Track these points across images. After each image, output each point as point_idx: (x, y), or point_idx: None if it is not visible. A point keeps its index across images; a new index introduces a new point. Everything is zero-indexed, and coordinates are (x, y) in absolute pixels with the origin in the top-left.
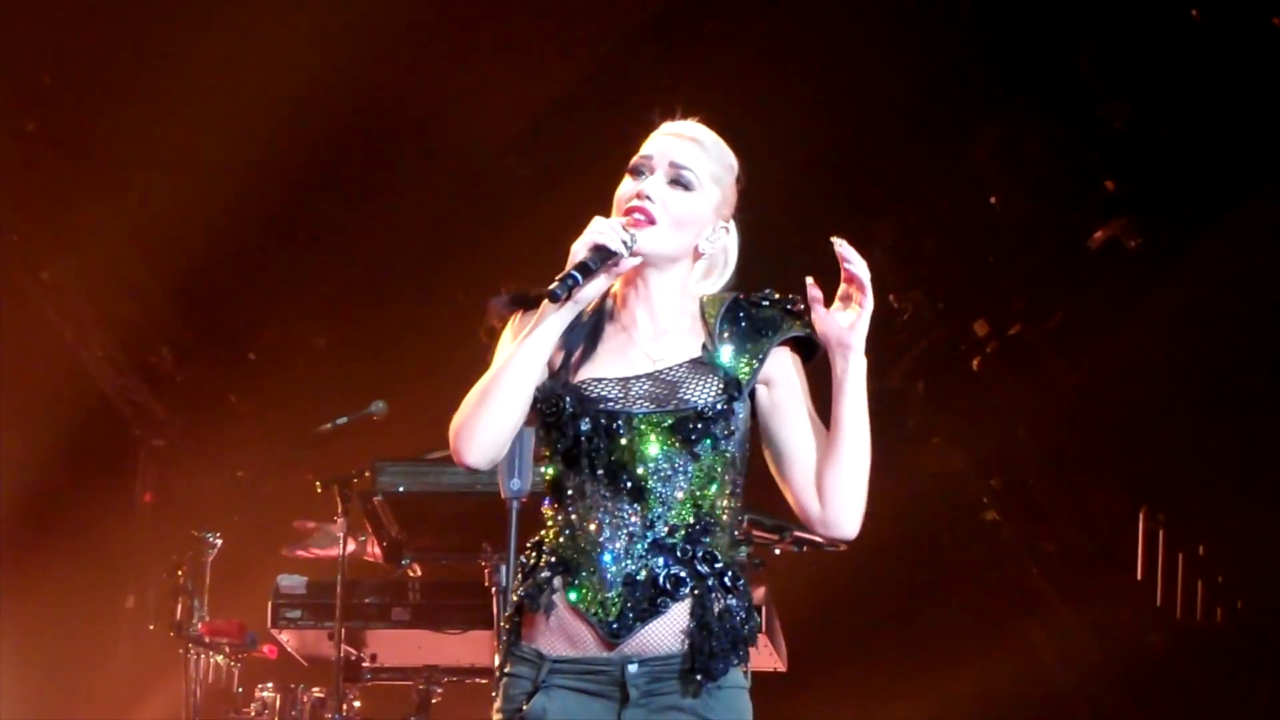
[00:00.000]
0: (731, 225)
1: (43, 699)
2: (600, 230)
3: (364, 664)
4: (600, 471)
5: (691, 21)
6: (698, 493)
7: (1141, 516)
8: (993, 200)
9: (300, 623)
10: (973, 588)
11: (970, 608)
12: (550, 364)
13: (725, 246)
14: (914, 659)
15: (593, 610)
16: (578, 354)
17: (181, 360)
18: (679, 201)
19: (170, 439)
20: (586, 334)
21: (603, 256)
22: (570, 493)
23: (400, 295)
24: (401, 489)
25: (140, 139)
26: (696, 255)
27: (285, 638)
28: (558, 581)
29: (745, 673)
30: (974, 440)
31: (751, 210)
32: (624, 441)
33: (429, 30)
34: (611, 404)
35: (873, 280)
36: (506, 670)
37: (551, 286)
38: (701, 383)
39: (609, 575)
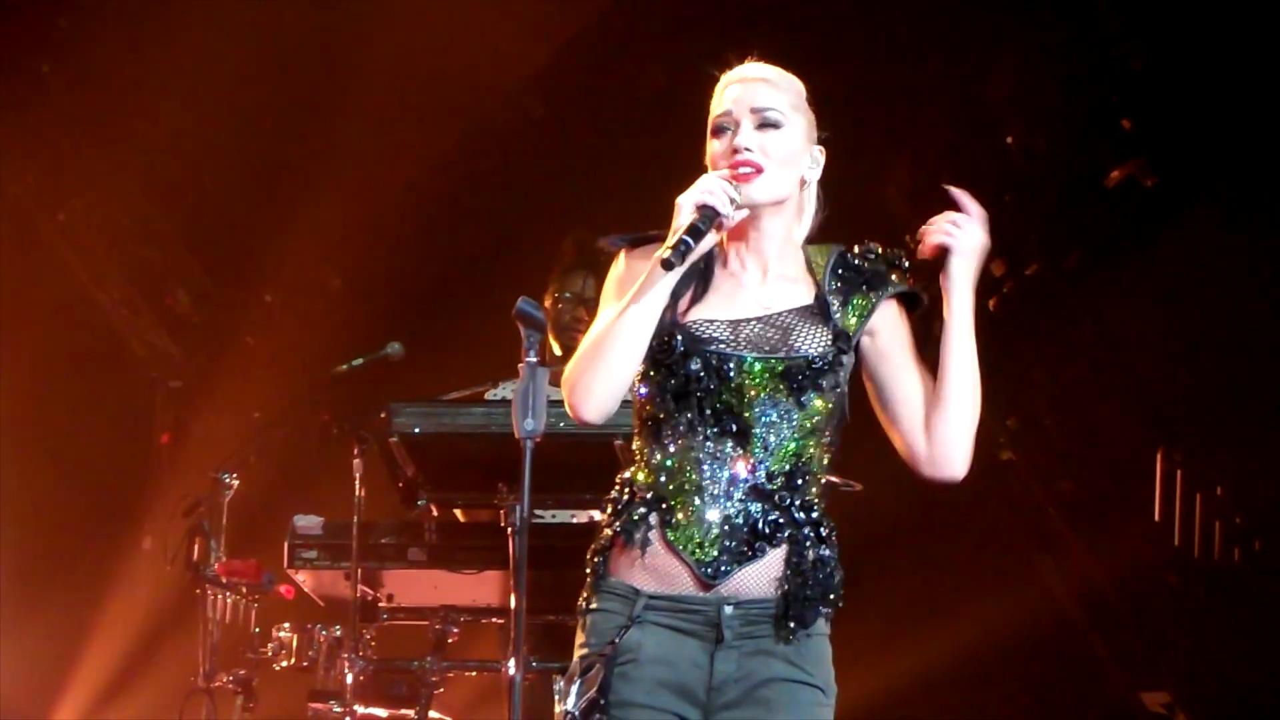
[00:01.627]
0: (821, 150)
1: (60, 640)
2: (709, 189)
3: (380, 604)
4: (708, 412)
5: None
6: (799, 441)
7: (1159, 457)
8: (1008, 140)
9: (316, 563)
10: (989, 527)
11: (986, 547)
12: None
13: (812, 187)
14: (930, 598)
15: (690, 550)
16: (688, 295)
17: (197, 302)
18: (776, 142)
19: (187, 380)
20: (697, 275)
21: (711, 216)
22: (673, 431)
23: (416, 237)
24: (417, 430)
25: (155, 81)
26: (802, 186)
27: (302, 578)
28: (654, 519)
29: (829, 621)
30: (990, 380)
31: None
32: (734, 384)
33: None
34: (723, 345)
35: (888, 221)
36: (594, 606)
37: (664, 254)
38: (812, 332)
39: (708, 516)
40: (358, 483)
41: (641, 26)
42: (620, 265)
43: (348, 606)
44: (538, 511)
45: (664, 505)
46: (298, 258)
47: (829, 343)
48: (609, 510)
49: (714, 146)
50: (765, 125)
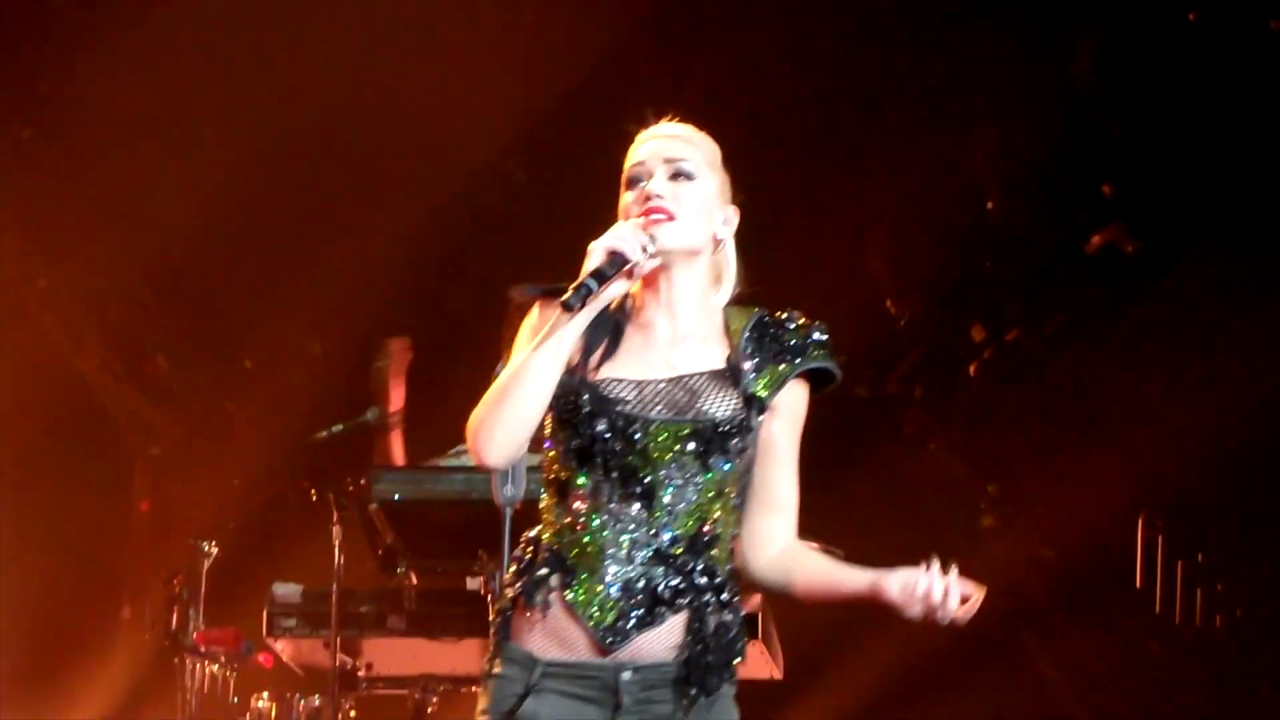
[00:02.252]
0: (735, 211)
1: (39, 708)
2: (621, 235)
3: (359, 673)
4: (614, 474)
5: (687, 27)
6: (705, 505)
7: (1140, 523)
8: (989, 205)
9: (295, 631)
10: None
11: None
12: (569, 359)
13: (729, 249)
14: (910, 666)
15: (589, 614)
16: (598, 352)
17: (177, 368)
18: (689, 192)
19: (166, 447)
20: (608, 331)
21: (619, 262)
22: (576, 492)
23: (396, 303)
24: (397, 497)
25: (136, 147)
26: (716, 247)
27: (281, 646)
28: (555, 580)
29: (733, 681)
30: (971, 446)
31: (746, 218)
32: (640, 446)
33: (424, 35)
34: (629, 406)
35: (869, 286)
36: (495, 671)
37: (565, 297)
38: (721, 395)
39: (608, 579)
40: (337, 550)
41: (623, 91)
42: (534, 315)
43: (327, 675)
44: None
45: (566, 567)
46: (277, 324)
47: (738, 406)
48: (512, 569)
49: (627, 197)
50: (678, 175)
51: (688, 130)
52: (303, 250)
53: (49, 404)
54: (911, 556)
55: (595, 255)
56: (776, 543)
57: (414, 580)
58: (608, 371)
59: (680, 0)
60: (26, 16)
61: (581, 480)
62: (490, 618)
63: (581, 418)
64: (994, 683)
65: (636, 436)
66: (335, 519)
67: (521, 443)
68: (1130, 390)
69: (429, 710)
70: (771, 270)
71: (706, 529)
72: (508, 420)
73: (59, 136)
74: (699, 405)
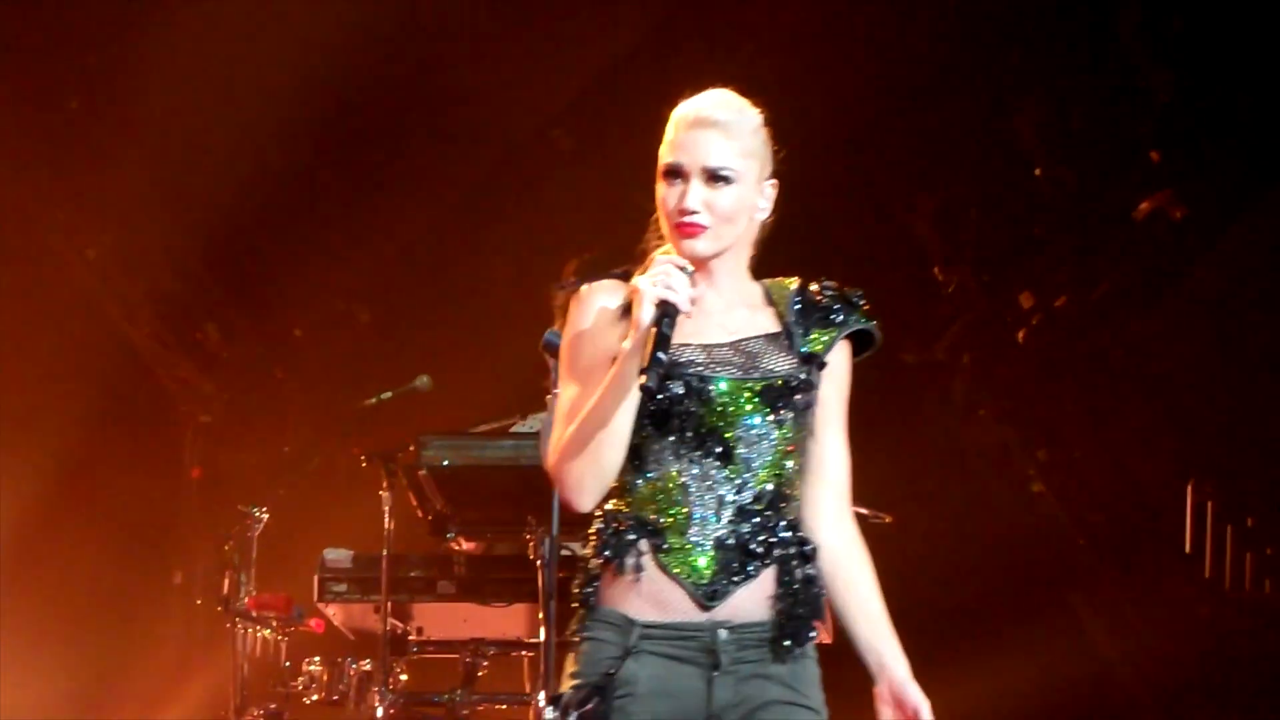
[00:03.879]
0: (774, 184)
1: (91, 674)
2: (670, 284)
3: (410, 637)
4: (690, 434)
5: None
6: (778, 462)
7: (1190, 488)
8: (1037, 172)
9: (346, 596)
10: (1019, 560)
11: (1017, 580)
12: (616, 349)
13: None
14: (960, 631)
15: (685, 573)
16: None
17: (227, 337)
18: (724, 198)
19: (217, 415)
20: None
21: (673, 314)
22: (655, 456)
23: (444, 270)
24: (446, 463)
25: (184, 117)
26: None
27: (331, 611)
28: (645, 544)
29: (814, 645)
30: (1020, 413)
31: (793, 187)
32: (716, 405)
33: (473, 3)
34: (700, 368)
35: (917, 253)
36: (587, 634)
37: (644, 381)
38: (780, 355)
39: (699, 539)
40: (387, 516)
41: (669, 60)
42: (583, 309)
43: (377, 640)
44: (566, 543)
45: (654, 530)
46: (326, 292)
47: (798, 363)
48: (593, 542)
49: (662, 191)
50: (715, 180)
51: (728, 113)
52: (351, 219)
53: (100, 373)
54: (960, 522)
55: (647, 302)
56: (825, 509)
57: (464, 545)
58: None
59: None
60: None
61: (658, 444)
62: (573, 587)
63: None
64: (1042, 646)
65: (712, 395)
66: (385, 485)
67: (609, 483)
68: (1178, 356)
69: (479, 674)
70: (821, 239)
71: (783, 485)
72: (596, 471)
73: (107, 107)
74: (761, 364)
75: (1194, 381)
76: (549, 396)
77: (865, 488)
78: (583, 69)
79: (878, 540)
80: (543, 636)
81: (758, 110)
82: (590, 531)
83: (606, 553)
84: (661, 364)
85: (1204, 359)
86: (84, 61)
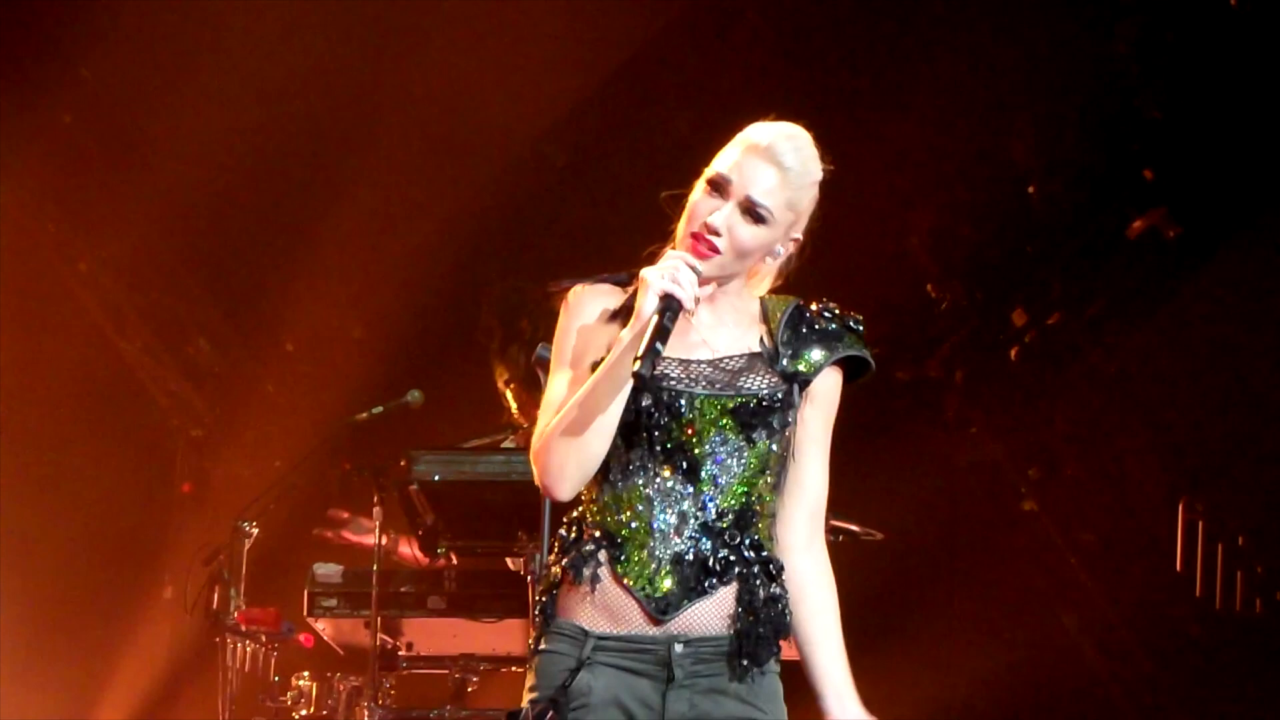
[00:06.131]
0: (800, 238)
1: (81, 688)
2: (678, 279)
3: (400, 653)
4: (658, 449)
5: (726, 13)
6: (749, 480)
7: (1181, 507)
8: (1030, 190)
9: (336, 611)
10: (1010, 578)
11: (1008, 598)
12: (611, 342)
13: (790, 256)
14: (949, 649)
15: (640, 586)
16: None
17: (219, 351)
18: (748, 234)
19: (208, 429)
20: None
21: (675, 309)
22: (621, 468)
23: (436, 286)
24: (437, 477)
25: (177, 130)
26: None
27: (321, 626)
28: (603, 555)
29: (778, 659)
30: (1012, 430)
31: None
32: (685, 420)
33: (467, 18)
34: (674, 382)
35: (910, 270)
36: (543, 647)
37: (637, 368)
38: (760, 374)
39: (658, 552)
40: (377, 530)
41: (664, 77)
42: (574, 308)
43: (367, 655)
44: None
45: (613, 542)
46: (318, 306)
47: (777, 383)
48: (555, 549)
49: (701, 201)
50: (749, 214)
51: (795, 160)
52: (343, 234)
53: (91, 386)
54: (950, 539)
55: (651, 292)
56: (797, 531)
57: (454, 560)
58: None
59: None
60: (68, 4)
61: (628, 456)
62: (534, 597)
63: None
64: (1034, 664)
65: (682, 411)
66: (376, 500)
67: (590, 475)
68: (1171, 374)
69: (469, 690)
70: (813, 254)
71: (752, 504)
72: (579, 459)
73: (100, 120)
74: (739, 383)
75: (1186, 400)
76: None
77: (856, 504)
78: (575, 85)
79: (869, 557)
80: (531, 639)
81: (823, 166)
82: (555, 538)
83: (564, 561)
84: (658, 355)
85: (1196, 378)
86: (76, 75)
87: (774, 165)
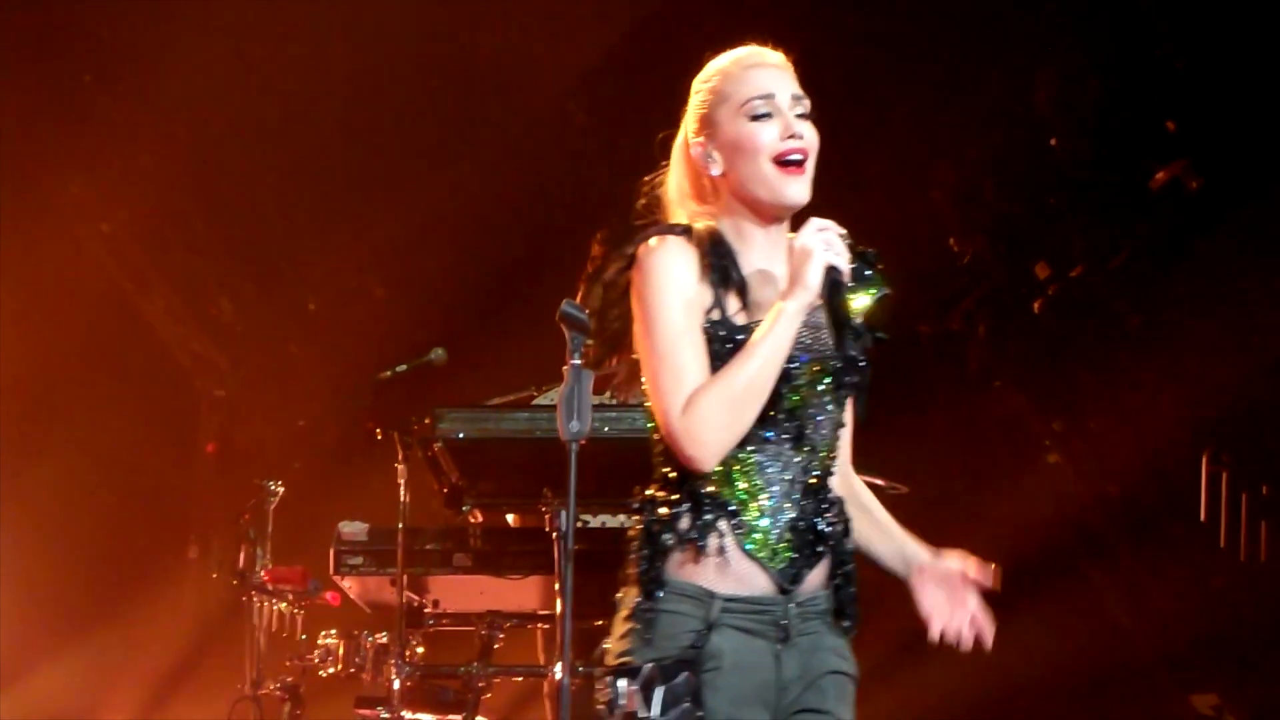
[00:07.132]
0: None
1: (107, 648)
2: (837, 250)
3: (426, 610)
4: (769, 414)
5: None
6: (832, 440)
7: (1205, 458)
8: (1053, 142)
9: (362, 569)
10: (1035, 531)
11: (1032, 551)
12: (708, 301)
13: None
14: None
15: (766, 556)
16: (733, 296)
17: (241, 311)
18: (813, 134)
19: (231, 389)
20: (738, 275)
21: (839, 280)
22: None
23: (459, 243)
24: (461, 435)
25: (198, 90)
26: None
27: (348, 584)
28: (724, 525)
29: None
30: (1036, 383)
31: None
32: (797, 384)
33: None
34: None
35: (932, 224)
36: (663, 607)
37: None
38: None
39: (778, 521)
40: (403, 488)
41: (684, 33)
42: (660, 267)
43: (393, 612)
44: (582, 516)
45: (729, 511)
46: (341, 265)
47: (854, 340)
48: (659, 514)
49: (762, 133)
50: (804, 116)
51: (779, 56)
52: (365, 193)
53: (114, 348)
54: (975, 493)
55: (816, 266)
56: (843, 467)
57: (479, 517)
58: (754, 314)
59: None
60: None
61: None
62: (630, 561)
63: None
64: (1058, 617)
65: (793, 376)
66: (400, 457)
67: (737, 442)
68: (1194, 325)
69: (495, 646)
70: (835, 208)
71: (832, 463)
72: (736, 431)
73: (121, 81)
74: (828, 340)
75: (1209, 352)
76: (566, 368)
77: (880, 458)
78: (597, 44)
79: (892, 510)
80: (559, 609)
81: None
82: (650, 496)
83: (686, 530)
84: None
85: (1218, 329)
86: (98, 35)
87: (785, 68)
